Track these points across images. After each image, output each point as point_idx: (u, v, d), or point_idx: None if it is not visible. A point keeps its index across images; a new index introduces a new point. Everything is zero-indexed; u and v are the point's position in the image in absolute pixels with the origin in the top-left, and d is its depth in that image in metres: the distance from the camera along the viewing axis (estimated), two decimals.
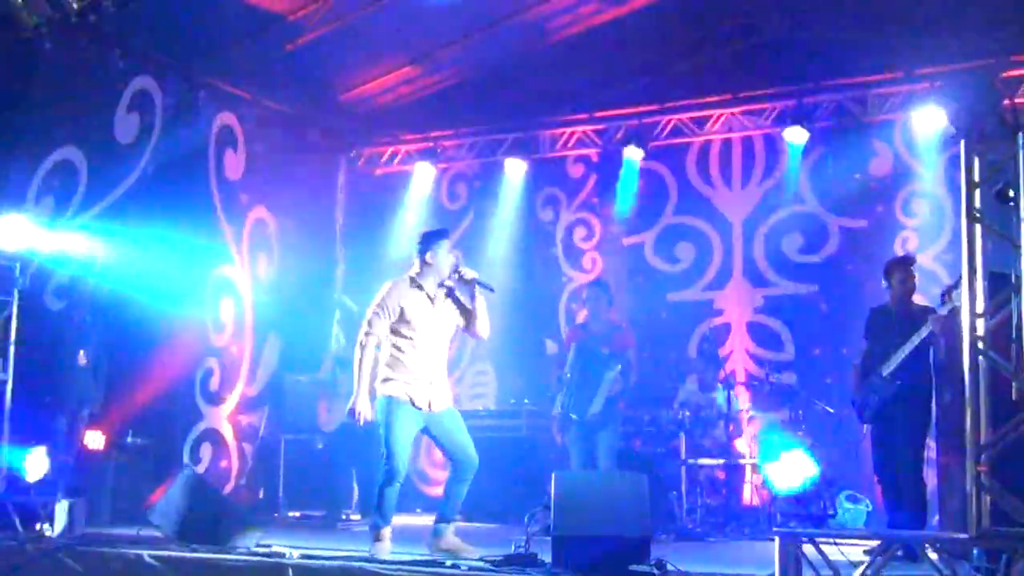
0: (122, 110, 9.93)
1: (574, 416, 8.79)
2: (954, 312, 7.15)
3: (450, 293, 7.08)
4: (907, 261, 8.04)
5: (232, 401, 10.93)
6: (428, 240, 7.09)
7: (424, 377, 6.88)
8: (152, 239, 9.63)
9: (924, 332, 7.35)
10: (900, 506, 7.52)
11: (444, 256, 7.00)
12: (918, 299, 7.86)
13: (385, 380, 6.86)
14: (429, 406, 6.87)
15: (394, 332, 6.91)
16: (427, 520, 7.38)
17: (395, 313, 6.87)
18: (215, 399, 10.73)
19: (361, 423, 6.88)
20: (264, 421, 11.23)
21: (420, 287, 6.97)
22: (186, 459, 10.15)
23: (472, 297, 7.06)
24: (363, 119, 12.30)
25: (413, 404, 6.82)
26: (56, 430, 8.87)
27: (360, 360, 6.84)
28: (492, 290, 7.17)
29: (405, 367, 6.86)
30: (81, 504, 7.65)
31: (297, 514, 10.58)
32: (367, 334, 6.88)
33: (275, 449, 10.98)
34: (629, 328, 9.17)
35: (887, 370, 7.55)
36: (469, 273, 7.03)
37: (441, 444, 7.01)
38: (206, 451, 10.52)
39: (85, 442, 9.14)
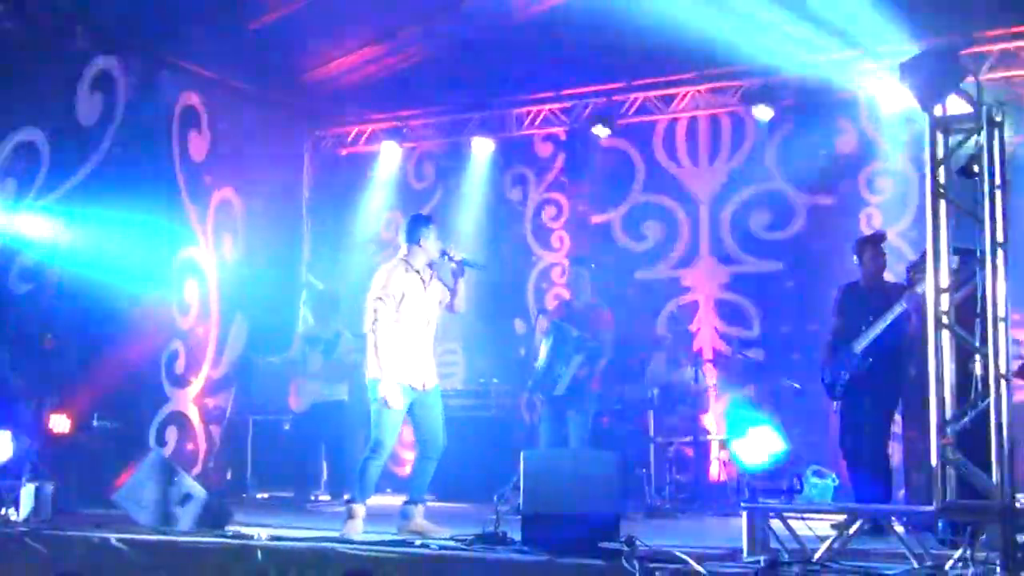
0: (84, 90, 9.81)
1: (540, 397, 8.84)
2: (913, 287, 7.25)
3: (431, 265, 7.21)
4: (878, 238, 8.10)
5: (198, 383, 10.87)
6: (418, 225, 7.26)
7: (416, 357, 7.06)
8: (116, 221, 9.54)
9: (898, 309, 7.42)
10: (865, 480, 7.60)
11: (433, 240, 7.18)
12: (887, 276, 7.91)
13: (387, 366, 6.95)
14: (423, 386, 7.07)
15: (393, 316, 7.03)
16: (397, 500, 7.39)
17: (398, 297, 7.00)
18: (181, 381, 10.66)
19: (396, 406, 6.95)
20: (231, 403, 11.16)
21: (417, 271, 7.12)
22: (152, 442, 10.10)
23: (454, 275, 7.23)
24: (328, 98, 12.20)
25: (407, 385, 6.97)
26: (21, 413, 8.79)
27: (376, 347, 6.96)
28: (484, 268, 7.35)
29: (400, 349, 6.98)
30: (47, 487, 7.60)
31: (266, 495, 10.55)
32: (375, 321, 6.98)
33: (243, 430, 10.92)
34: (608, 309, 9.19)
35: (859, 346, 7.63)
36: (458, 254, 7.24)
37: (417, 421, 7.17)
38: (172, 434, 10.46)
39: (51, 425, 9.07)
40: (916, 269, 7.60)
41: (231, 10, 9.97)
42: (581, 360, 8.70)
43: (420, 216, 7.53)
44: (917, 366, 7.06)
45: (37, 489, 7.51)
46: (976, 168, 5.35)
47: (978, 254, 5.29)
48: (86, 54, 9.82)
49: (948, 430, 5.26)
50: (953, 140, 5.48)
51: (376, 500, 7.34)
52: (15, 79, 9.12)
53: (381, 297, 7.00)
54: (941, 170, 5.43)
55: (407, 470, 11.09)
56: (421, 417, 7.14)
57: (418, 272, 7.12)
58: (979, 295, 5.25)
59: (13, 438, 8.49)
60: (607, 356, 8.93)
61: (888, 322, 7.50)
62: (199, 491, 7.22)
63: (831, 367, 7.81)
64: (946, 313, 5.36)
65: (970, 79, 5.80)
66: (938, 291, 5.38)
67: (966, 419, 5.28)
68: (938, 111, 5.53)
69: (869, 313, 7.63)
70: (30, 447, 8.71)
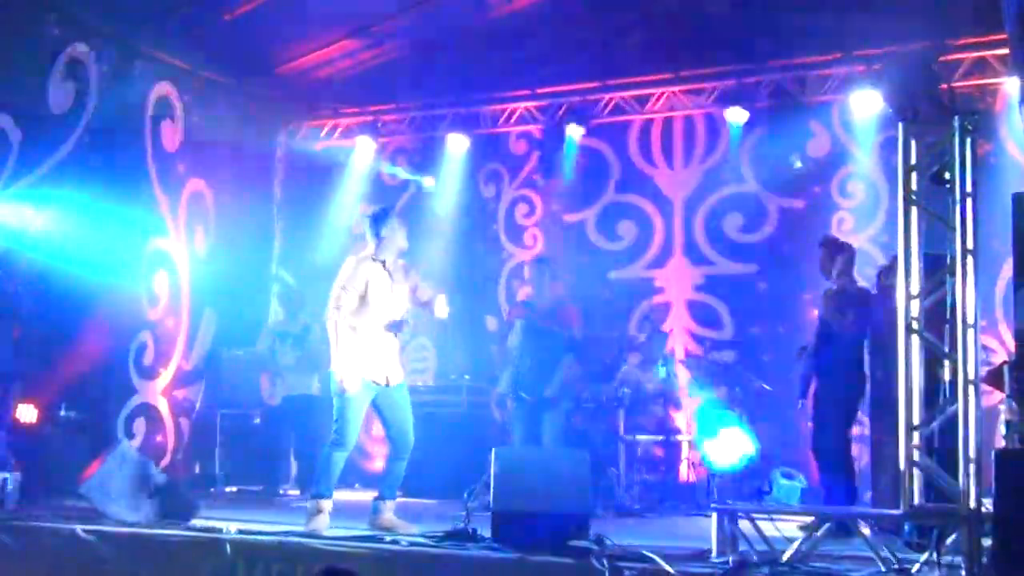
0: (56, 78, 9.71)
1: (524, 396, 8.84)
2: (882, 290, 7.37)
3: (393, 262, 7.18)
4: (825, 242, 8.23)
5: (167, 375, 10.80)
6: (380, 217, 7.21)
7: (381, 352, 7.00)
8: (86, 210, 9.46)
9: (815, 312, 7.73)
10: (830, 481, 7.73)
11: (397, 228, 7.16)
12: (861, 282, 8.07)
13: (344, 354, 6.91)
14: (386, 381, 7.01)
15: (355, 308, 6.98)
16: (366, 495, 7.38)
17: (362, 288, 6.96)
18: (149, 373, 10.59)
19: (351, 390, 6.84)
20: (201, 395, 11.11)
21: (383, 263, 7.08)
22: (120, 434, 10.03)
23: (424, 306, 7.29)
24: (302, 92, 12.15)
25: (369, 380, 6.91)
26: None
27: (335, 336, 6.89)
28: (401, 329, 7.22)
29: (363, 342, 6.94)
30: (14, 479, 7.55)
31: (234, 489, 10.51)
32: (336, 308, 6.93)
33: (212, 424, 10.87)
34: (573, 304, 9.21)
35: (810, 348, 7.88)
36: (426, 292, 7.27)
37: (385, 418, 7.12)
38: (140, 426, 10.39)
39: (17, 416, 8.99)
40: (885, 273, 7.71)
41: (206, 1, 9.91)
42: (571, 359, 8.80)
43: (383, 209, 7.42)
44: (884, 368, 7.15)
45: (3, 480, 7.46)
46: (947, 175, 5.40)
47: (948, 260, 5.34)
48: (59, 41, 9.73)
49: (916, 434, 5.31)
50: (925, 146, 5.53)
51: (346, 495, 7.32)
52: None
53: (345, 286, 6.96)
54: (913, 176, 5.48)
55: (376, 464, 11.12)
56: (388, 414, 7.08)
57: (385, 265, 7.09)
58: (948, 300, 5.30)
59: None
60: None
61: (817, 323, 7.81)
62: (166, 482, 7.19)
63: (802, 369, 8.03)
64: (916, 318, 5.40)
65: (943, 86, 5.86)
66: (908, 296, 5.43)
67: (934, 424, 5.33)
68: (911, 117, 5.58)
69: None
70: None
